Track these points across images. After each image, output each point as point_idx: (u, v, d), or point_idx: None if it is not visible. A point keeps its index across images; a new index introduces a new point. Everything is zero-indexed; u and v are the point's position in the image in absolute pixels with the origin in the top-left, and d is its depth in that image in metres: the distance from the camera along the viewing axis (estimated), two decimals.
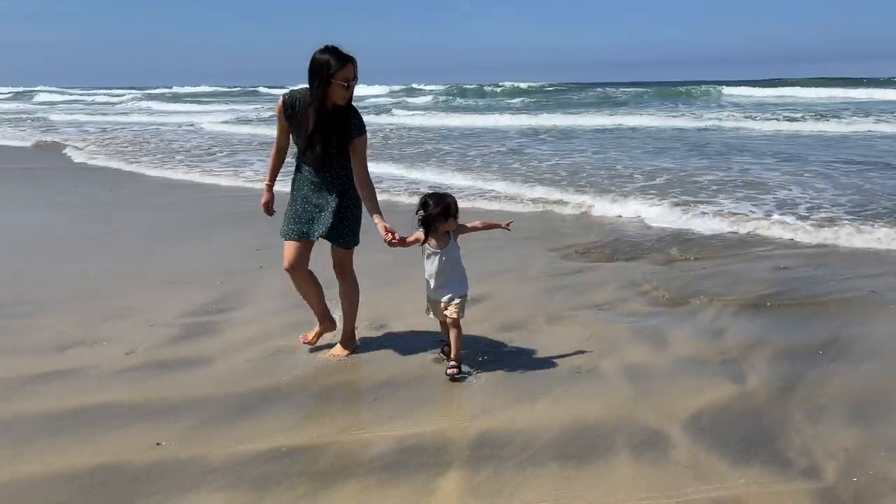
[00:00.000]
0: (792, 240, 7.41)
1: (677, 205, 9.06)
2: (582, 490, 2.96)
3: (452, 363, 4.10)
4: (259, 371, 4.20)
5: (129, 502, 2.89)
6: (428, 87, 65.75)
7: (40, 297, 5.63)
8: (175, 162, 15.47)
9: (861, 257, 6.76)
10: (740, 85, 50.16)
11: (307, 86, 4.00)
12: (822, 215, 8.39)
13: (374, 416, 3.65)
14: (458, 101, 47.35)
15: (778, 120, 23.56)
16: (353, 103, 4.11)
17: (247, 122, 28.22)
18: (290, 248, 4.25)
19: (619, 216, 8.83)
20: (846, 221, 7.92)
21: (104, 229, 8.44)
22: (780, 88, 45.82)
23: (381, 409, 3.72)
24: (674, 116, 26.50)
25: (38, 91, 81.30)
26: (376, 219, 4.01)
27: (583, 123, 24.60)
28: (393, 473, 3.10)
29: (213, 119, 30.45)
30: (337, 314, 4.58)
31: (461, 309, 4.10)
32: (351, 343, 4.51)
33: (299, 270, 4.29)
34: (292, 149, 4.30)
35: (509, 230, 4.30)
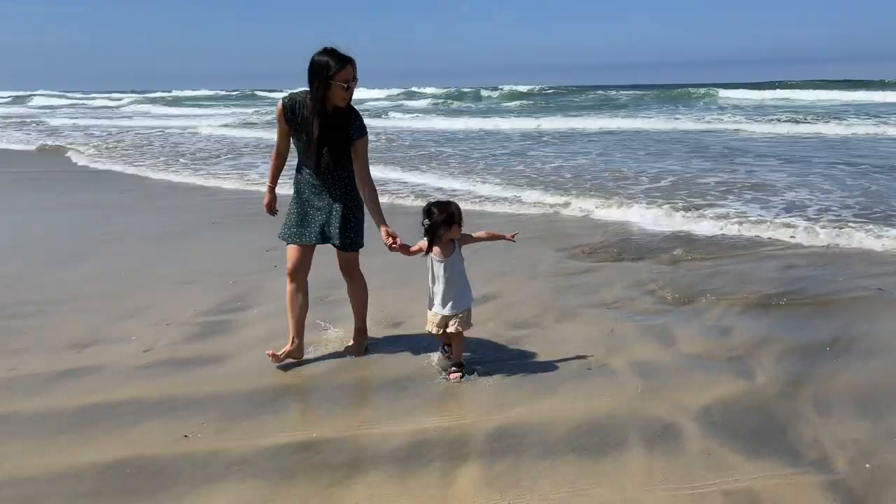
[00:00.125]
0: (798, 242, 7.43)
1: (683, 206, 9.14)
2: (599, 481, 3.03)
3: (454, 369, 4.15)
4: (275, 368, 4.27)
5: (156, 493, 2.97)
6: (427, 90, 65.94)
7: (56, 297, 5.71)
8: (179, 165, 15.56)
9: (869, 258, 6.80)
10: (740, 87, 50.31)
11: (306, 88, 3.99)
12: (831, 217, 8.43)
13: (389, 412, 3.72)
14: (458, 104, 47.48)
15: (779, 121, 23.64)
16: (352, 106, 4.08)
17: (250, 125, 28.29)
18: (292, 252, 4.24)
19: (625, 217, 8.88)
20: (855, 223, 7.98)
21: (113, 231, 8.51)
22: (779, 91, 45.93)
23: (396, 405, 3.79)
24: (675, 119, 26.62)
25: (37, 95, 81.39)
26: (378, 222, 4.03)
27: (584, 126, 24.68)
28: (412, 465, 3.17)
29: (214, 122, 30.54)
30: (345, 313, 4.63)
31: (465, 322, 4.10)
32: (363, 339, 4.57)
33: (301, 274, 4.28)
34: (293, 151, 4.29)
35: (514, 242, 4.28)
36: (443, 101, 50.97)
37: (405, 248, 4.00)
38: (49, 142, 22.16)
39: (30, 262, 6.97)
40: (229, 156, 17.34)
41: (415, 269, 5.57)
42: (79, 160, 17.13)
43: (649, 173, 12.48)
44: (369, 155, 4.26)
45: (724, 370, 4.19)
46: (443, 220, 3.94)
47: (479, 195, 10.88)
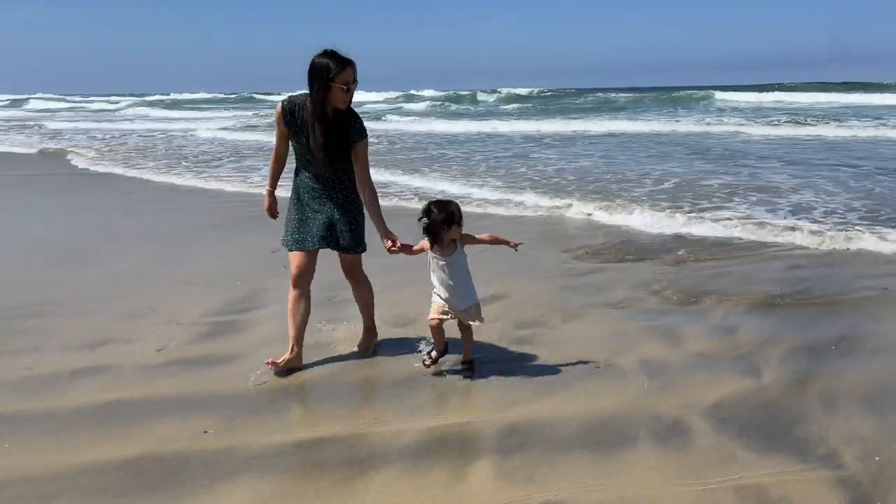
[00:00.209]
0: (803, 243, 7.43)
1: (686, 208, 9.21)
2: (611, 476, 3.08)
3: (466, 366, 4.20)
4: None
5: (174, 487, 3.02)
6: (426, 93, 66.08)
7: (65, 298, 5.75)
8: (181, 168, 15.59)
9: (875, 259, 6.82)
10: (738, 90, 50.46)
11: (306, 91, 3.96)
12: (837, 219, 8.47)
13: (399, 410, 3.76)
14: (457, 106, 47.59)
15: (779, 124, 23.73)
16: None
17: (252, 128, 28.38)
18: (296, 258, 4.20)
19: (628, 219, 8.90)
20: (861, 225, 8.02)
21: (117, 233, 8.56)
22: (777, 93, 46.05)
23: (406, 403, 3.83)
24: (675, 121, 26.73)
25: (36, 98, 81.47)
26: (378, 225, 4.01)
27: (585, 128, 24.76)
28: (426, 461, 3.22)
29: (214, 125, 30.63)
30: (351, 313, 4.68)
31: (477, 315, 4.12)
32: (373, 338, 4.61)
33: (306, 280, 4.24)
34: (291, 154, 4.25)
35: (516, 250, 4.22)
36: (440, 103, 51.09)
37: (406, 248, 4.00)
38: (50, 145, 22.21)
39: (37, 263, 7.01)
40: (231, 158, 17.40)
41: (418, 269, 5.62)
42: (80, 163, 17.17)
43: (652, 176, 12.54)
44: (369, 157, 4.22)
45: (730, 368, 4.24)
46: (442, 220, 3.92)
47: (481, 197, 10.92)
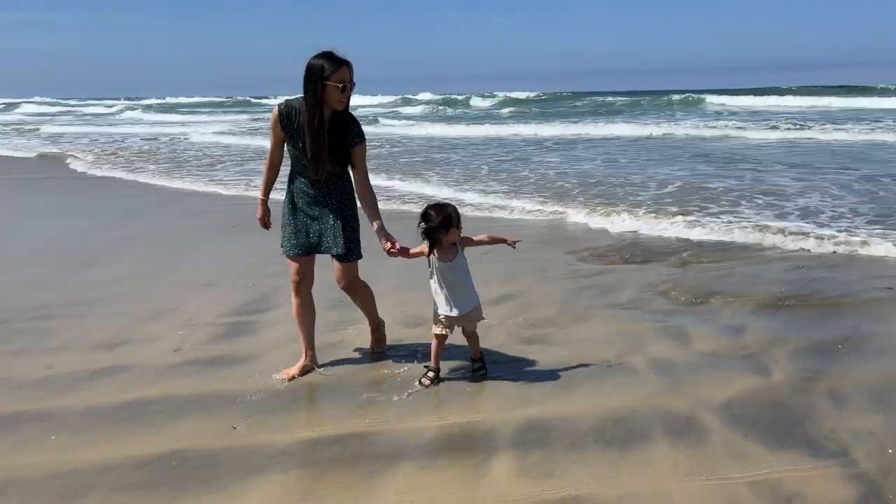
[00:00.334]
0: (809, 245, 7.46)
1: (690, 211, 9.31)
2: (628, 472, 3.15)
3: (478, 365, 4.23)
4: None
5: (201, 484, 3.08)
6: (423, 97, 66.21)
7: (79, 300, 5.83)
8: (184, 171, 15.67)
9: (884, 263, 6.85)
10: (735, 94, 50.66)
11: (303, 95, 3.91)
12: (845, 223, 8.51)
13: (417, 407, 3.83)
14: (456, 110, 47.72)
15: (777, 128, 23.84)
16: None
17: (253, 131, 28.44)
18: (294, 265, 4.19)
19: (633, 221, 8.97)
20: (868, 229, 8.09)
21: (126, 236, 8.63)
22: (774, 97, 46.21)
23: (424, 401, 3.91)
24: (674, 124, 26.86)
25: (31, 102, 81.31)
26: (377, 228, 3.97)
27: (585, 132, 24.84)
28: (446, 457, 3.29)
29: (213, 129, 30.69)
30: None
31: (478, 317, 4.14)
32: (382, 336, 4.62)
33: (306, 286, 4.25)
34: (285, 162, 4.20)
35: (514, 248, 4.25)
36: (439, 107, 51.22)
37: (405, 251, 3.97)
38: (51, 149, 22.25)
39: (49, 266, 7.08)
40: (234, 162, 17.48)
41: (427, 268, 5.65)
42: (80, 167, 17.25)
43: (656, 179, 12.62)
44: (367, 161, 4.17)
45: (740, 367, 4.31)
46: (440, 223, 3.91)
47: (484, 201, 10.97)
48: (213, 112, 54.89)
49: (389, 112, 45.29)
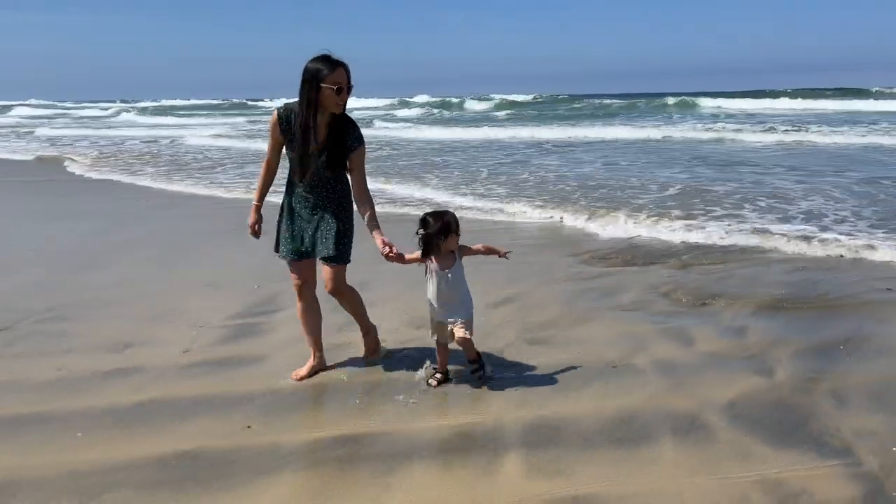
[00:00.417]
0: (810, 248, 7.50)
1: (691, 215, 9.37)
2: (635, 470, 3.20)
3: (475, 367, 4.20)
4: None
5: (214, 482, 3.13)
6: (419, 99, 66.32)
7: (86, 302, 5.86)
8: (184, 174, 15.69)
9: (887, 266, 6.87)
10: (731, 97, 50.82)
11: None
12: (848, 226, 8.55)
13: (425, 408, 3.88)
14: (453, 113, 47.83)
15: (774, 130, 23.95)
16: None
17: (252, 133, 28.46)
18: (295, 268, 4.20)
19: (634, 224, 9.00)
20: (871, 232, 8.15)
21: (129, 238, 8.65)
22: (770, 100, 46.38)
23: (433, 401, 3.96)
24: (672, 127, 26.99)
25: (27, 104, 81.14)
26: (374, 232, 3.92)
27: (584, 135, 24.91)
28: (456, 456, 3.34)
29: (212, 132, 30.71)
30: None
31: (469, 327, 4.07)
32: (376, 339, 4.56)
33: (309, 289, 4.25)
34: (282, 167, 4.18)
35: (507, 259, 4.21)
36: (436, 110, 51.31)
37: (401, 257, 3.92)
38: (48, 152, 22.25)
39: (55, 268, 7.11)
40: (233, 164, 17.51)
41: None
42: (77, 170, 17.23)
43: (656, 181, 12.66)
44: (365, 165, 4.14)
45: (743, 368, 4.37)
46: (438, 230, 3.90)
47: (484, 205, 10.97)
48: (210, 114, 54.89)
49: (385, 115, 45.34)
